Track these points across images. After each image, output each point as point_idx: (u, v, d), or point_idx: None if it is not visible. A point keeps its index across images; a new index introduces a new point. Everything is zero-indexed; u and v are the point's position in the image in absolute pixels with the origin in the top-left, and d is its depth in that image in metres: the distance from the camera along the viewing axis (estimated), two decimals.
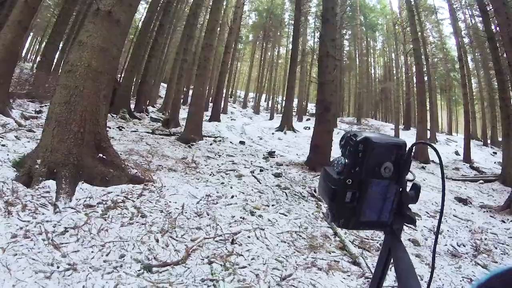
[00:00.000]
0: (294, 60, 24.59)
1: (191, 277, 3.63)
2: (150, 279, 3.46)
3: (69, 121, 5.38)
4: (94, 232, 4.14)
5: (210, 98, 32.15)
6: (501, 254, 5.76)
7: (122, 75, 21.30)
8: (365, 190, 0.88)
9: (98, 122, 5.92)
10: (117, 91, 15.15)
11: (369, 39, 48.85)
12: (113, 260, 3.68)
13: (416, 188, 0.92)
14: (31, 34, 41.34)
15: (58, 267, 3.31)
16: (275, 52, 50.30)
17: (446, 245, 5.85)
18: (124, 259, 3.73)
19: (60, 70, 19.64)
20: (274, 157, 12.19)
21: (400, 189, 0.91)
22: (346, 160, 0.89)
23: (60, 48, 22.46)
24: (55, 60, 21.09)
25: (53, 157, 5.15)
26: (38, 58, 22.57)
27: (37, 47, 42.29)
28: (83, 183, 5.25)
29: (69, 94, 5.48)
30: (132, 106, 18.58)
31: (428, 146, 1.00)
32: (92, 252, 3.75)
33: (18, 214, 4.09)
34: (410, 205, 0.93)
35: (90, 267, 3.44)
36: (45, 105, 12.06)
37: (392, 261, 0.91)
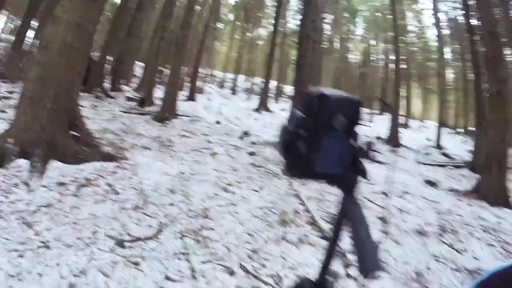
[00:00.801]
0: (274, 42, 24.46)
1: (163, 251, 3.71)
2: (123, 254, 3.52)
3: (43, 97, 5.28)
4: (67, 210, 4.16)
5: (187, 78, 31.74)
6: (466, 234, 5.93)
7: (98, 53, 20.82)
8: (319, 142, 0.93)
9: (72, 99, 5.85)
10: (92, 70, 14.82)
11: (349, 25, 48.79)
12: (86, 237, 3.71)
13: (370, 144, 0.98)
14: (5, 12, 39.79)
15: (31, 245, 3.33)
16: (255, 33, 49.79)
17: (413, 223, 6.02)
18: (97, 236, 3.77)
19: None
20: (249, 137, 12.21)
21: (353, 143, 0.96)
22: (302, 114, 0.95)
23: (35, 27, 21.80)
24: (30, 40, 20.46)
25: (26, 135, 5.10)
26: (12, 38, 21.79)
27: (11, 26, 40.74)
28: (56, 161, 5.22)
29: (43, 71, 5.37)
30: (107, 85, 18.27)
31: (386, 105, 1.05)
32: (65, 229, 3.77)
33: None
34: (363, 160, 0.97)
35: (63, 244, 3.47)
36: (18, 86, 11.77)
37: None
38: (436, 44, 27.91)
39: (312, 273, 1.15)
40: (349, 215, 0.94)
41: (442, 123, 22.23)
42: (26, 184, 4.51)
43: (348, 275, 3.91)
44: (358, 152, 0.97)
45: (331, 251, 1.11)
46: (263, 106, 23.79)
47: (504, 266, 0.56)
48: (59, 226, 3.82)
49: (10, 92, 10.93)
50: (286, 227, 4.89)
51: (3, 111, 8.11)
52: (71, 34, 5.64)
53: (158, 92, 16.95)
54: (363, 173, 0.97)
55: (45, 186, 4.59)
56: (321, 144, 0.93)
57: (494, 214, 7.64)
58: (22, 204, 4.05)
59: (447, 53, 34.24)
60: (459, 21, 27.96)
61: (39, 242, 3.42)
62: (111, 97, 16.21)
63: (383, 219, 5.86)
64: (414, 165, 13.99)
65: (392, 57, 25.89)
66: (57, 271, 3.07)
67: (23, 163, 4.85)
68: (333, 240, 1.09)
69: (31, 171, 4.77)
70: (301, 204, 5.87)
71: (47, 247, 3.38)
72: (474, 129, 18.02)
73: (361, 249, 0.83)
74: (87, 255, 3.39)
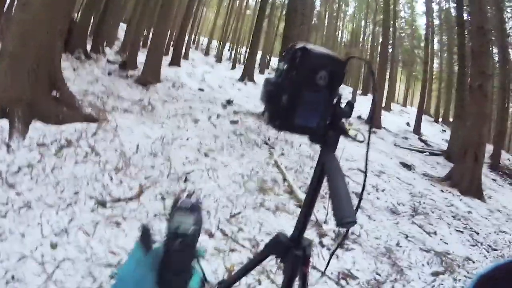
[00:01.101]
0: (263, 11, 24.02)
1: (144, 212, 3.80)
2: (104, 214, 3.59)
3: (23, 57, 5.17)
4: (48, 170, 4.17)
5: (172, 43, 31.13)
6: (437, 218, 6.18)
7: (79, 14, 20.17)
8: (301, 94, 0.95)
9: (52, 59, 5.73)
10: (73, 30, 14.46)
11: (341, 3, 48.08)
12: (68, 197, 3.76)
13: (350, 104, 1.01)
14: None
15: (12, 206, 3.36)
16: (244, 2, 48.87)
17: (386, 202, 6.25)
18: (78, 196, 3.82)
19: (13, 9, 18.34)
20: (232, 106, 12.21)
21: (335, 101, 1.00)
22: (285, 66, 0.97)
23: None
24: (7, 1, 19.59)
25: (6, 95, 5.00)
26: None
27: None
28: (36, 121, 5.17)
29: (23, 29, 5.21)
30: (89, 47, 17.81)
31: (365, 63, 1.10)
32: (46, 189, 3.80)
33: None
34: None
35: (44, 204, 3.51)
36: None
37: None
38: (425, 32, 27.88)
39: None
40: (327, 169, 0.98)
41: (423, 111, 22.54)
42: (7, 144, 4.48)
43: (322, 244, 4.08)
44: (339, 111, 1.00)
45: (310, 207, 1.17)
46: (248, 76, 23.56)
47: (507, 260, 0.55)
48: (41, 186, 3.84)
49: None
50: (264, 195, 5.03)
51: None
52: None
53: (142, 56, 16.65)
54: (344, 131, 1.02)
55: (26, 147, 4.58)
56: (301, 97, 0.96)
57: (465, 203, 7.98)
58: (3, 165, 4.04)
59: (435, 43, 34.29)
60: (451, 12, 28.05)
61: (21, 202, 3.45)
62: (93, 59, 15.87)
63: (358, 195, 6.01)
64: (392, 147, 14.29)
65: (380, 40, 25.90)
66: (39, 230, 3.12)
67: (3, 123, 4.79)
68: (311, 196, 1.15)
69: (12, 131, 4.73)
70: (280, 174, 6.00)
71: (29, 207, 3.41)
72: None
73: (337, 200, 0.87)
74: (68, 215, 3.44)
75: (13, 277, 2.56)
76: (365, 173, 1.06)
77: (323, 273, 1.01)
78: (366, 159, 1.01)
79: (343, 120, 1.03)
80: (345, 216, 0.84)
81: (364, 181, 1.08)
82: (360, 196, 0.96)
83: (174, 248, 0.59)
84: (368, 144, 0.99)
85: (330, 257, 1.16)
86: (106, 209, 3.71)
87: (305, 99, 0.96)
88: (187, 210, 0.62)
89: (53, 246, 2.96)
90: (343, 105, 1.02)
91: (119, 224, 3.49)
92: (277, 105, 0.96)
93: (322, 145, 1.04)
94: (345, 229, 0.96)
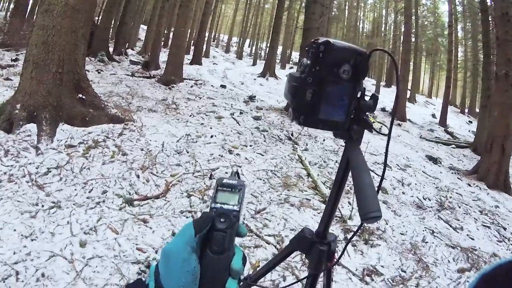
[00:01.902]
0: (281, 4, 23.84)
1: (170, 209, 3.86)
2: (132, 212, 3.66)
3: (47, 61, 5.29)
4: (76, 171, 4.28)
5: (192, 41, 31.25)
6: (464, 213, 6.05)
7: (100, 17, 20.47)
8: (324, 88, 0.94)
9: (76, 61, 5.83)
10: (95, 34, 14.68)
11: None
12: (96, 196, 3.85)
13: (375, 98, 0.99)
14: None
15: (42, 206, 3.46)
16: None
17: (412, 196, 6.14)
18: (106, 195, 3.91)
19: (35, 15, 18.81)
20: (255, 102, 12.20)
21: (358, 95, 0.98)
22: (308, 61, 0.95)
23: None
24: (29, 6, 20.09)
25: (33, 100, 5.13)
26: (12, 6, 21.35)
27: None
28: (63, 124, 5.28)
29: (46, 34, 5.33)
30: (111, 49, 18.06)
31: (388, 55, 1.07)
32: (75, 189, 3.90)
33: (0, 160, 4.16)
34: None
35: (73, 204, 3.60)
36: (21, 53, 11.60)
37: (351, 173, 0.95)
38: (448, 20, 27.12)
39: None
40: (352, 163, 0.96)
41: (448, 101, 21.98)
42: (36, 147, 4.60)
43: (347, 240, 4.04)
44: (364, 104, 0.99)
45: (335, 202, 1.16)
46: (269, 72, 23.47)
47: (509, 259, 0.53)
48: (69, 186, 3.95)
49: (15, 60, 10.91)
50: (289, 190, 5.02)
51: (8, 79, 8.13)
52: None
53: (164, 56, 16.81)
54: (368, 125, 1.00)
55: (54, 149, 4.69)
56: (325, 92, 0.95)
57: (492, 197, 7.80)
58: (32, 167, 4.15)
59: (459, 31, 33.40)
60: None
61: (51, 203, 3.55)
62: (116, 61, 16.12)
63: (383, 189, 5.96)
64: (417, 140, 14.06)
65: (402, 28, 25.32)
66: (68, 229, 3.21)
67: (31, 127, 4.92)
68: (336, 191, 1.14)
69: (40, 134, 4.85)
70: (304, 169, 5.98)
71: (59, 207, 3.51)
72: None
73: (362, 194, 0.85)
74: (97, 214, 3.53)
75: (43, 275, 2.63)
76: (384, 163, 1.04)
77: (337, 261, 1.01)
78: (386, 150, 0.99)
79: (368, 113, 1.01)
80: (370, 211, 0.82)
81: (383, 171, 1.05)
82: (378, 188, 0.94)
83: (217, 227, 0.60)
84: (389, 135, 0.97)
85: (345, 246, 1.15)
86: (134, 207, 3.77)
87: (329, 93, 0.95)
88: (230, 189, 0.63)
89: (82, 244, 3.04)
90: (367, 98, 1.00)
91: (146, 222, 3.55)
92: (302, 100, 0.95)
93: (346, 139, 1.03)
94: (371, 224, 0.94)
